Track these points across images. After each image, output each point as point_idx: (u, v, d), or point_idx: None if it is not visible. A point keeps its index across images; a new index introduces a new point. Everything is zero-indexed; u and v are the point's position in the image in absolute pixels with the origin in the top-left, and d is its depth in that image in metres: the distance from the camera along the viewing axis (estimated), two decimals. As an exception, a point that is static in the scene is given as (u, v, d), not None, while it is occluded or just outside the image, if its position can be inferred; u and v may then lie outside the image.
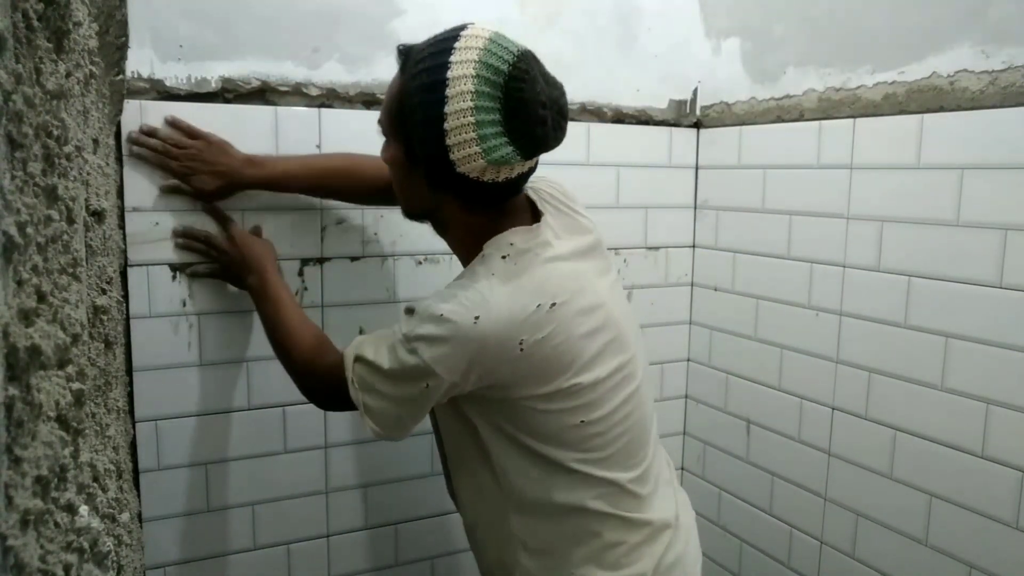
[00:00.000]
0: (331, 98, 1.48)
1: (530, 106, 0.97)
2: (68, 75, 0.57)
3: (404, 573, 1.66)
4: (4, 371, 0.40)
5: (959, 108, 1.31)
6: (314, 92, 1.46)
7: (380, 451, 1.60)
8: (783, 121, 1.65)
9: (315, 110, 1.47)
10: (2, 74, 0.40)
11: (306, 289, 1.49)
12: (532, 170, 1.07)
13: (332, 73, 1.47)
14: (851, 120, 1.49)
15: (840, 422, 1.55)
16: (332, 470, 1.56)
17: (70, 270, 0.53)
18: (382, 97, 1.51)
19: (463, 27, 1.02)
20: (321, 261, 1.50)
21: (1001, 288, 1.26)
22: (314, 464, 1.55)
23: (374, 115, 1.53)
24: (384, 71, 1.52)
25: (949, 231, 1.33)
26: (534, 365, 1.00)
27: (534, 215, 1.12)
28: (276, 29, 1.42)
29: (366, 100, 1.51)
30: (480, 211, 1.07)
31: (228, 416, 1.46)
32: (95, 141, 0.83)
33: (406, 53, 1.05)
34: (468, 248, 1.10)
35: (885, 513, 1.47)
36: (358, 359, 1.05)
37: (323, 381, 1.15)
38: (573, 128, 1.74)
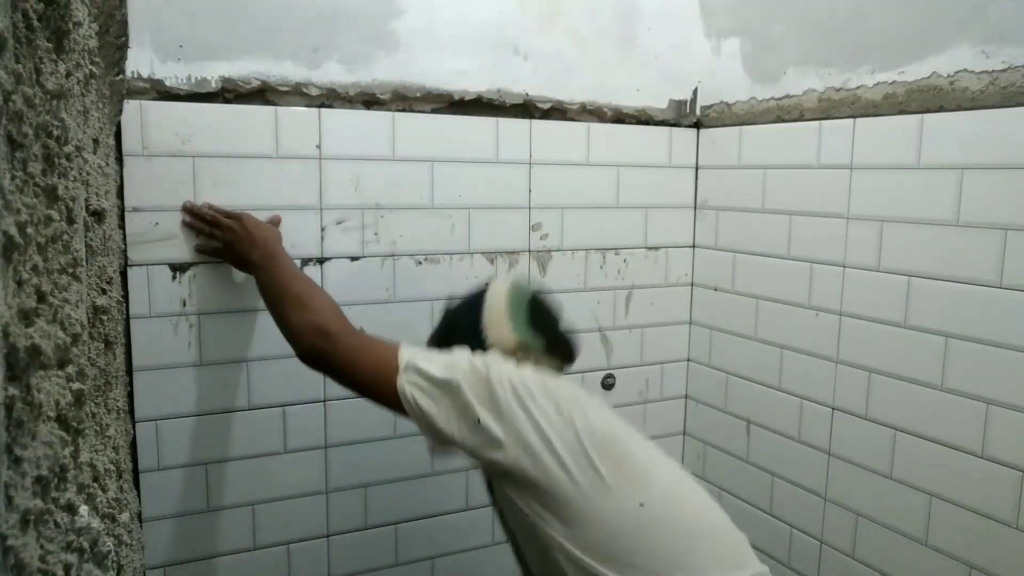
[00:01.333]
0: (331, 98, 1.48)
1: (552, 309, 1.21)
2: (68, 75, 0.57)
3: (404, 573, 1.66)
4: (4, 371, 0.40)
5: (959, 108, 1.31)
6: (314, 92, 1.46)
7: (380, 451, 1.60)
8: (783, 121, 1.65)
9: (315, 110, 1.47)
10: (2, 74, 0.40)
11: (306, 289, 1.49)
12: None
13: (332, 73, 1.47)
14: (851, 120, 1.49)
15: (840, 422, 1.55)
16: (332, 470, 1.56)
17: (70, 270, 0.53)
18: (382, 97, 1.52)
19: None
20: (321, 261, 1.50)
21: (1001, 288, 1.26)
22: (314, 464, 1.55)
23: (374, 115, 1.54)
24: (384, 71, 1.52)
25: (949, 231, 1.33)
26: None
27: None
28: (276, 29, 1.42)
29: (366, 100, 1.51)
30: None
31: (228, 416, 1.46)
32: (95, 141, 0.83)
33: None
34: None
35: (885, 513, 1.47)
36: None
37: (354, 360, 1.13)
38: (573, 128, 1.76)
